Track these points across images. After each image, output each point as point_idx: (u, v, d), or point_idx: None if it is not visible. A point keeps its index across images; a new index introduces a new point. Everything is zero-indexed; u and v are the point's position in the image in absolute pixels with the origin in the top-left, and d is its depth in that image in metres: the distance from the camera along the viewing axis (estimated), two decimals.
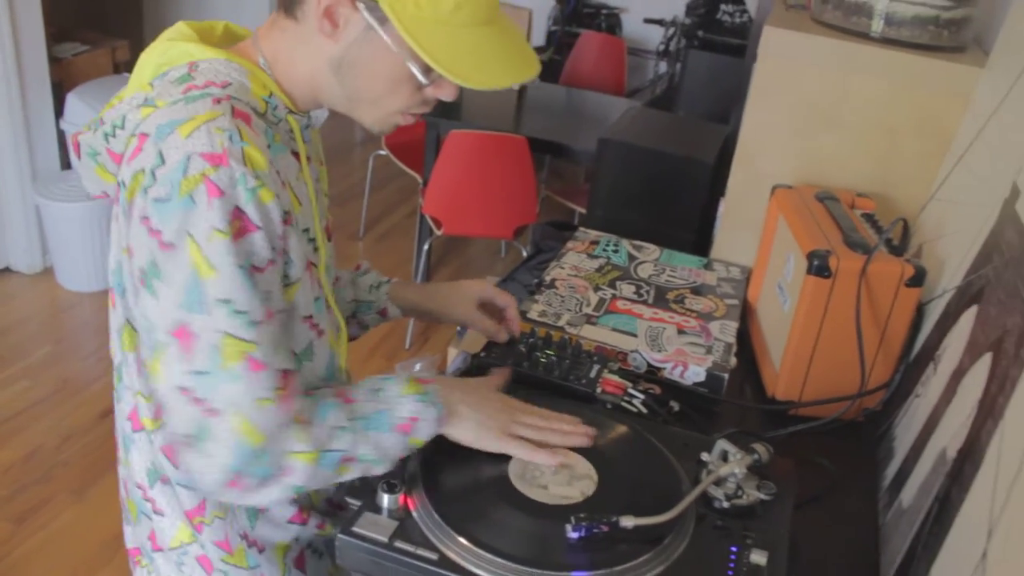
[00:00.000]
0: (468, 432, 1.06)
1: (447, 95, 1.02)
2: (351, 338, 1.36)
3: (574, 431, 1.11)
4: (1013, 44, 1.47)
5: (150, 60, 0.99)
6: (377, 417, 0.99)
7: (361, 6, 0.94)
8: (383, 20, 0.94)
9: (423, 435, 1.02)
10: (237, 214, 0.89)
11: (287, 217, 0.95)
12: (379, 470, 1.00)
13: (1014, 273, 1.08)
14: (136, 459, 1.07)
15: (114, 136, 0.98)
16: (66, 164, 3.87)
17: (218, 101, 0.92)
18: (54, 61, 3.85)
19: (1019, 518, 0.84)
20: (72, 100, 3.79)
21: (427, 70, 0.98)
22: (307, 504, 1.13)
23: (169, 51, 0.98)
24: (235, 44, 1.04)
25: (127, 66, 4.27)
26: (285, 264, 0.97)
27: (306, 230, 1.02)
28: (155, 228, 0.88)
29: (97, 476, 2.77)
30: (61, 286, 3.76)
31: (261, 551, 1.11)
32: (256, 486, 0.93)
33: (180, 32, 1.01)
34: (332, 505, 1.18)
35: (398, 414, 0.99)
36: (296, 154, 1.02)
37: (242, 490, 0.93)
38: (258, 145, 0.92)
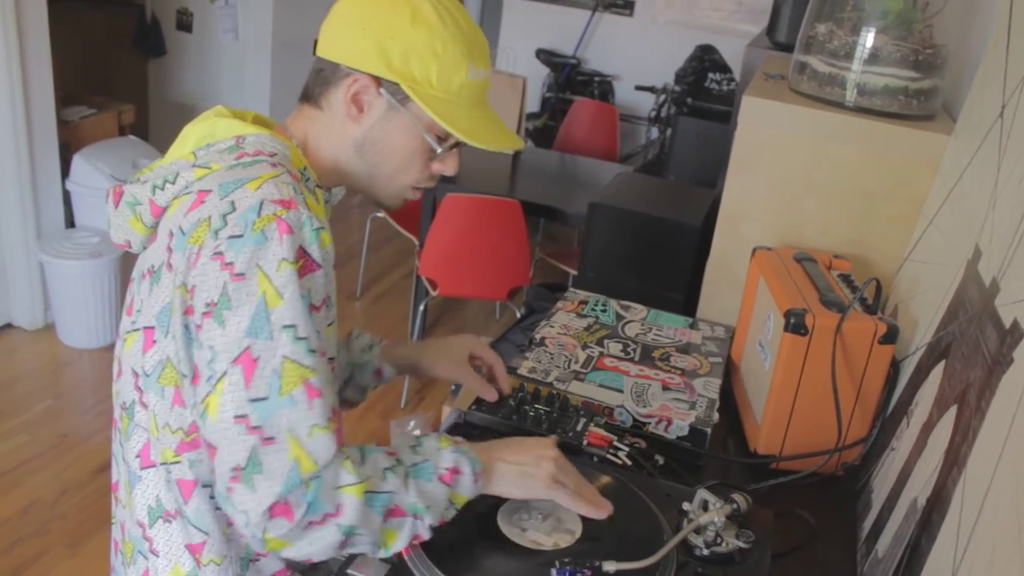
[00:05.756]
0: (512, 485, 1.10)
1: (450, 169, 1.18)
2: (352, 404, 1.43)
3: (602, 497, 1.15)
4: (976, 114, 1.55)
5: (194, 132, 1.11)
6: (421, 466, 1.03)
7: (383, 91, 1.10)
8: (404, 101, 1.11)
9: (464, 490, 1.05)
10: (302, 253, 0.99)
11: (335, 262, 1.05)
12: (425, 523, 1.02)
13: (976, 329, 1.14)
14: (139, 497, 1.11)
15: (162, 190, 1.07)
16: (70, 222, 3.95)
17: (274, 165, 1.05)
18: (62, 124, 3.95)
19: (979, 560, 0.89)
20: (78, 161, 3.88)
21: (440, 139, 1.12)
22: (295, 564, 1.17)
23: (215, 126, 1.10)
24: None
25: (132, 129, 4.38)
26: (326, 307, 1.05)
27: None
28: (228, 261, 0.96)
29: (92, 530, 2.79)
30: (61, 342, 3.81)
31: None
32: (304, 520, 0.94)
33: (221, 112, 1.13)
34: (313, 566, 1.21)
35: (440, 464, 1.04)
36: None
37: (291, 521, 0.94)
38: (313, 199, 1.05)
